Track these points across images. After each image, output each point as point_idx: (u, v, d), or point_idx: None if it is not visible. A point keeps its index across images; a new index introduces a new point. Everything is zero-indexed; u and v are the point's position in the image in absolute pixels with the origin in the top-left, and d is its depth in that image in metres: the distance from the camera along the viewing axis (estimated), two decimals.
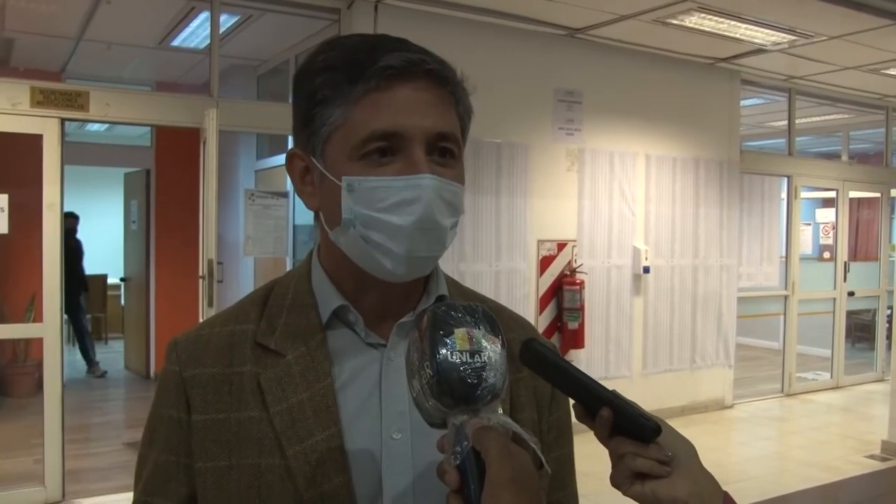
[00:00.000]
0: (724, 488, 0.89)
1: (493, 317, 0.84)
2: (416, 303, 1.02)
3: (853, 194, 9.41)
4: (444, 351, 0.79)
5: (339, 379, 0.96)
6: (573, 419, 0.92)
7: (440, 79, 0.94)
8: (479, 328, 0.82)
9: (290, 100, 1.00)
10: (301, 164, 1.00)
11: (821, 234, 10.94)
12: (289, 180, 1.11)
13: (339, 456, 0.92)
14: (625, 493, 0.88)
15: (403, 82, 0.92)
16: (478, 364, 0.79)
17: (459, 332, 0.80)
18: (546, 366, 0.89)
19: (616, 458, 0.88)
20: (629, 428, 0.87)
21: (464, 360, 0.79)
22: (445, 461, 0.80)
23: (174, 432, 0.97)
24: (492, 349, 0.81)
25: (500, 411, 0.83)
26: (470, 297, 1.11)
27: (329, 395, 0.94)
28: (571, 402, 0.91)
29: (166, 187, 8.58)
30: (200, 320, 1.93)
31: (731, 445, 6.70)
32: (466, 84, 0.99)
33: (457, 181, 0.95)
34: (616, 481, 0.88)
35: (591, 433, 0.90)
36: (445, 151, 0.95)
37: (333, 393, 0.95)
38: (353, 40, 0.96)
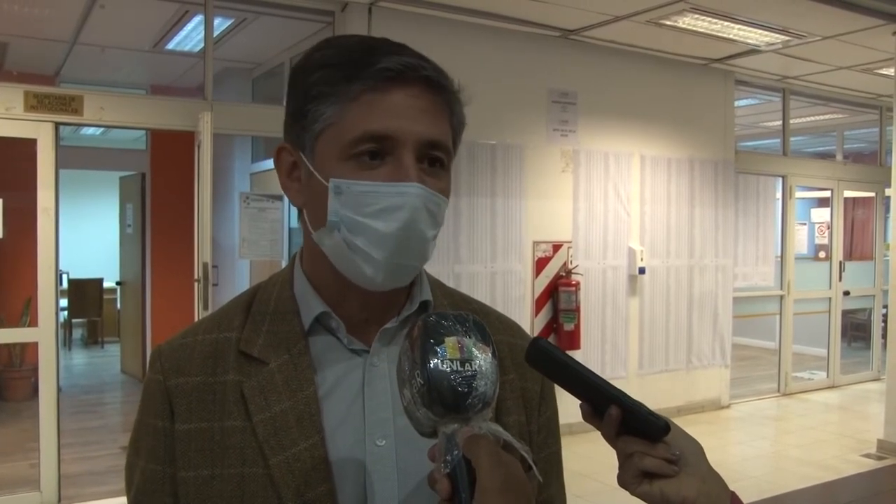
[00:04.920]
0: None
1: (484, 325, 0.84)
2: (400, 309, 1.02)
3: (848, 194, 9.44)
4: (434, 360, 0.79)
5: (323, 387, 0.96)
6: (580, 419, 0.92)
7: (436, 86, 0.94)
8: (469, 337, 0.82)
9: (285, 95, 1.00)
10: (289, 158, 0.99)
11: (816, 234, 10.97)
12: None
13: (323, 465, 0.91)
14: (633, 493, 0.88)
15: (400, 86, 0.92)
16: (468, 373, 0.79)
17: (450, 341, 0.80)
18: (553, 365, 0.89)
19: (624, 458, 0.88)
20: (637, 427, 0.86)
21: (454, 368, 0.79)
22: (436, 470, 0.80)
23: (159, 442, 0.96)
24: (482, 358, 0.81)
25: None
26: (456, 299, 1.11)
27: (312, 404, 0.94)
28: (578, 401, 0.90)
29: (161, 191, 8.57)
30: None
31: (727, 445, 6.71)
32: (462, 95, 0.99)
33: (443, 194, 0.95)
34: (624, 481, 0.88)
35: (588, 434, 0.90)
36: (435, 160, 0.94)
37: (317, 401, 0.94)
38: (353, 40, 0.96)
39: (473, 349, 0.81)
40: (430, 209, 0.93)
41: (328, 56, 0.94)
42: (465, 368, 0.79)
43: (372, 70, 0.91)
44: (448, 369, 0.79)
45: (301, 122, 0.95)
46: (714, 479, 0.87)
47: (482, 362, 0.81)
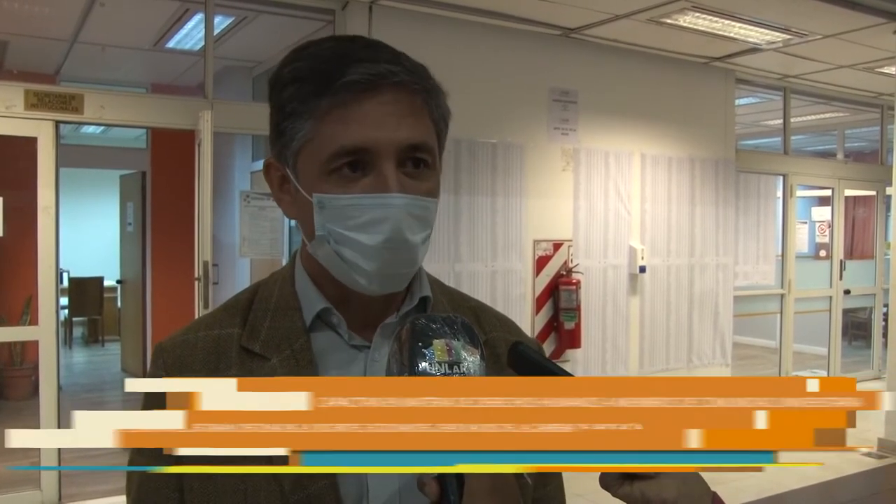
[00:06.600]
0: (721, 487, 0.90)
1: (472, 328, 0.85)
2: (400, 304, 1.03)
3: (849, 192, 9.43)
4: (423, 363, 0.80)
5: None
6: None
7: (409, 89, 0.93)
8: (457, 339, 0.82)
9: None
10: (277, 173, 1.00)
11: (817, 233, 10.97)
12: None
13: None
14: (614, 494, 0.88)
15: (371, 96, 0.90)
16: (456, 375, 0.80)
17: (438, 344, 0.81)
18: (532, 369, 0.90)
19: None
20: None
21: (443, 371, 0.80)
22: (424, 473, 0.80)
23: None
24: (471, 360, 0.82)
25: None
26: (454, 296, 1.12)
27: None
28: None
29: (162, 189, 8.57)
30: None
31: None
32: (440, 87, 0.98)
33: (430, 195, 0.94)
34: (605, 482, 0.88)
35: None
36: (419, 162, 0.94)
37: None
38: (323, 48, 0.95)
39: (462, 351, 0.82)
40: (416, 214, 0.92)
41: (298, 69, 0.93)
42: (454, 371, 0.80)
43: (341, 83, 0.89)
44: (436, 372, 0.79)
45: (281, 140, 0.96)
46: (695, 480, 0.87)
47: (470, 364, 0.81)
